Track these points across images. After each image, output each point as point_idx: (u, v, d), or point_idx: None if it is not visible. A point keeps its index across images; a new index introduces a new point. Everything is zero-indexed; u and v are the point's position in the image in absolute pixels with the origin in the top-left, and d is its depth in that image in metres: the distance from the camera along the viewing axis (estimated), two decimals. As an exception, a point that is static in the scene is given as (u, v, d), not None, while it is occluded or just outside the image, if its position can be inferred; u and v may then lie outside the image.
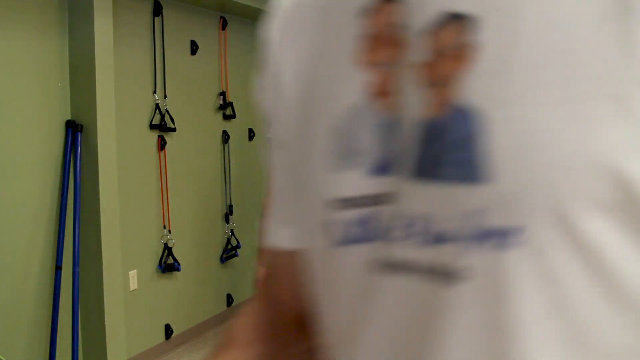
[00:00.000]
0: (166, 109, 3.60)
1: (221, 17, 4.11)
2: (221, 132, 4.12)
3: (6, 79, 2.70)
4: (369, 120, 0.42)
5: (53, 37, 2.89)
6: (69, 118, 2.97)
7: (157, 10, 3.52)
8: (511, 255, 0.35)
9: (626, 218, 0.34)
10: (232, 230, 4.20)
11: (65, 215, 2.92)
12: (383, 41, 0.41)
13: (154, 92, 3.52)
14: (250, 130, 4.40)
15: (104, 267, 2.97)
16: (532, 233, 0.35)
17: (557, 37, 0.35)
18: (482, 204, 0.36)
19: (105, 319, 3.00)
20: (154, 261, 3.58)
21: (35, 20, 2.81)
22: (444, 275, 0.38)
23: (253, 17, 4.28)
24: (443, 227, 0.38)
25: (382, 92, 0.41)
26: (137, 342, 3.48)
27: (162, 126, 3.55)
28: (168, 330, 3.70)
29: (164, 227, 3.63)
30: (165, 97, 3.58)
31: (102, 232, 2.96)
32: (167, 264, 3.61)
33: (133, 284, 3.42)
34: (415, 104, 0.40)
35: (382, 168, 0.41)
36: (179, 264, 3.68)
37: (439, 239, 0.38)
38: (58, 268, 2.89)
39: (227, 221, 4.17)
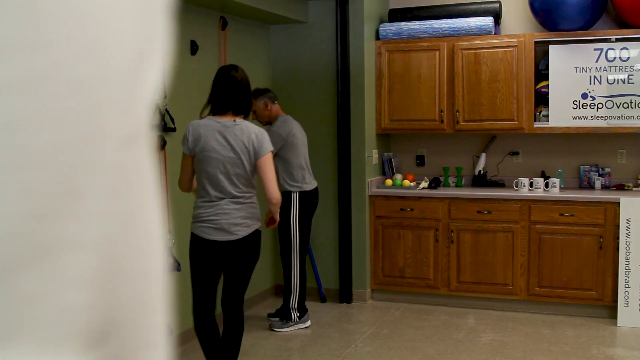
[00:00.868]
0: (166, 109, 3.60)
1: (221, 17, 4.11)
2: (221, 132, 4.12)
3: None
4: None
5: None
6: (69, 118, 2.97)
7: (157, 10, 3.52)
8: None
9: None
10: (232, 230, 4.20)
11: (64, 215, 2.92)
12: None
13: (154, 92, 3.52)
14: (251, 130, 4.39)
15: (103, 267, 2.97)
16: None
17: None
18: None
19: (105, 319, 3.00)
20: (154, 261, 3.57)
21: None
22: None
23: (253, 17, 4.28)
24: None
25: None
26: (137, 342, 3.48)
27: (162, 126, 3.55)
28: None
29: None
30: (165, 97, 3.59)
31: (101, 232, 2.95)
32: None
33: (133, 284, 3.42)
34: None
35: None
36: (179, 264, 3.68)
37: None
38: (58, 268, 2.90)
39: (227, 221, 4.16)
